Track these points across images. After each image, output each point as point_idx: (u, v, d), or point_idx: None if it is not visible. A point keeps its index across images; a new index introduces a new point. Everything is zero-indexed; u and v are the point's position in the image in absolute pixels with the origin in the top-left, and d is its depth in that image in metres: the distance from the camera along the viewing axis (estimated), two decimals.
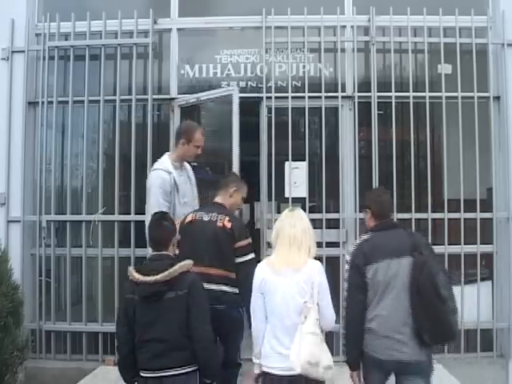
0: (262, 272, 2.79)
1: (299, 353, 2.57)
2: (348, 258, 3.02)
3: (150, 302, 2.63)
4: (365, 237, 3.01)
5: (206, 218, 3.34)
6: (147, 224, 3.34)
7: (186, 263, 2.72)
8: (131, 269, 2.74)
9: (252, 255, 3.29)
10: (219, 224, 3.27)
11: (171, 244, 2.82)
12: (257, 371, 2.79)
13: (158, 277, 2.59)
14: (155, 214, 3.02)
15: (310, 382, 2.62)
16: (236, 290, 3.26)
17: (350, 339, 2.88)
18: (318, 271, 2.72)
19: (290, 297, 2.67)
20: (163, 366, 2.61)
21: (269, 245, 3.73)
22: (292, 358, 2.58)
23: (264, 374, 2.73)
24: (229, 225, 3.26)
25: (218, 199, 3.48)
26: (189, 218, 3.41)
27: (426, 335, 2.71)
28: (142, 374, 2.69)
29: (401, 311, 2.75)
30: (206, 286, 2.96)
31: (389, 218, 3.06)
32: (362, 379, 2.91)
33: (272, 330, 2.71)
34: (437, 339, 2.79)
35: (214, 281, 3.20)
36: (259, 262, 2.94)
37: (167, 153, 3.84)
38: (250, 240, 3.32)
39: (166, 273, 2.61)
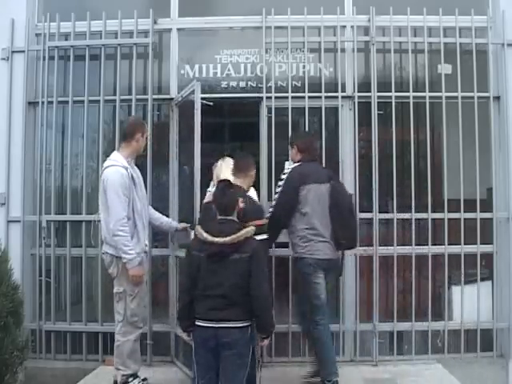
0: None
1: None
2: (283, 176, 3.80)
3: (214, 262, 2.87)
4: (295, 165, 3.86)
5: None
6: (106, 224, 3.61)
7: (250, 230, 2.96)
8: (199, 228, 2.99)
9: (263, 236, 3.48)
10: None
11: (235, 210, 3.05)
12: None
13: (227, 239, 2.85)
14: (220, 181, 3.18)
15: None
16: None
17: (275, 225, 3.76)
18: None
19: None
20: (221, 317, 2.84)
21: None
22: None
23: None
24: (241, 205, 3.46)
25: (237, 181, 3.56)
26: (208, 199, 3.72)
27: (343, 240, 3.72)
28: (198, 323, 2.90)
29: (326, 222, 3.72)
30: None
31: (311, 153, 3.91)
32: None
33: None
34: (349, 243, 3.79)
35: None
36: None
37: (116, 152, 3.86)
38: (262, 221, 3.55)
39: (234, 236, 2.87)
